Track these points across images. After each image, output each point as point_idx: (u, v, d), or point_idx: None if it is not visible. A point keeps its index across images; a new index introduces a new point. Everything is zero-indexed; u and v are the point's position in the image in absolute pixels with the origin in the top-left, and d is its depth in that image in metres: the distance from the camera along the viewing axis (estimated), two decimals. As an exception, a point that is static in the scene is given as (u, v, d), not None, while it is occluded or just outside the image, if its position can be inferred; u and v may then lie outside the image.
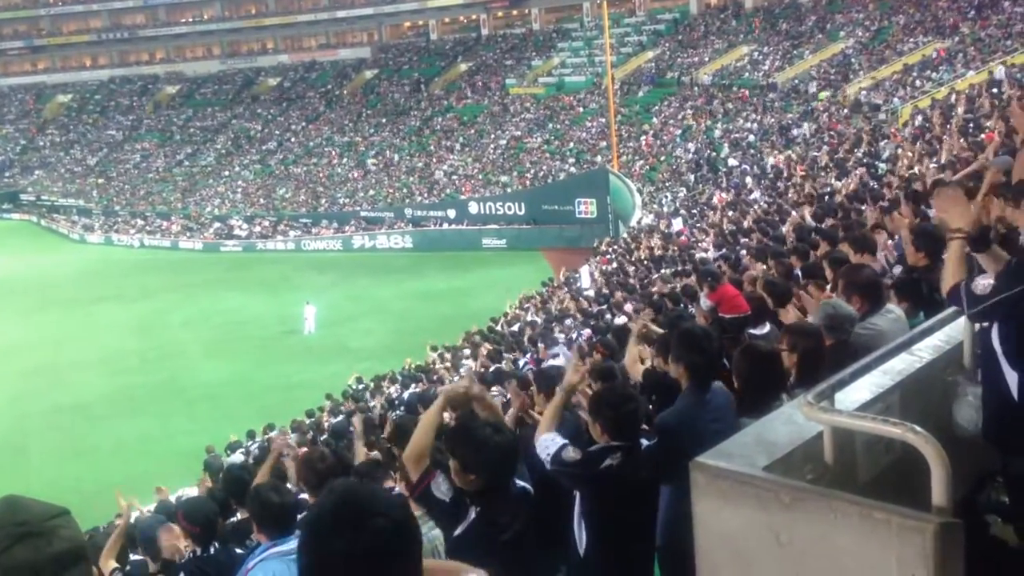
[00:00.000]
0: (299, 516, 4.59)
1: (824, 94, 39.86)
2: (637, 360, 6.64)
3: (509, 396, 9.44)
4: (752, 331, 7.03)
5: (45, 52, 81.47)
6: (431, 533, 3.94)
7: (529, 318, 23.36)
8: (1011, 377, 3.05)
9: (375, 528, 1.82)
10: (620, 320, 14.79)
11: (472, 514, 3.68)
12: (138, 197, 63.48)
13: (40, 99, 79.95)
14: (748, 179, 30.85)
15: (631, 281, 20.68)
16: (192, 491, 13.81)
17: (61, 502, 1.85)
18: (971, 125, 18.52)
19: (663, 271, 19.12)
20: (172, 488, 14.77)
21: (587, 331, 15.43)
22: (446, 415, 9.40)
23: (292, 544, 4.20)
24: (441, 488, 3.74)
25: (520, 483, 3.94)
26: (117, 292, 41.59)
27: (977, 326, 3.31)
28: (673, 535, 4.35)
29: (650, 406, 5.54)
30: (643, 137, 48.29)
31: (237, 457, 18.00)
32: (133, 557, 7.98)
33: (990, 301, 3.07)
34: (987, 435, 3.22)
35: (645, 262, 23.30)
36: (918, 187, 11.05)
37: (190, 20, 79.01)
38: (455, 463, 3.71)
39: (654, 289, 15.95)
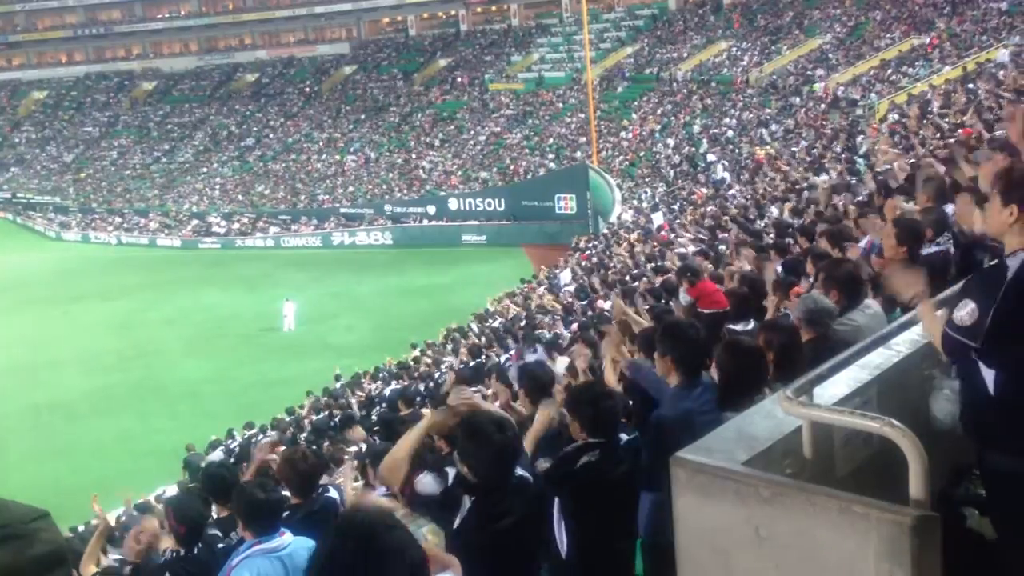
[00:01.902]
0: (285, 514, 4.59)
1: (818, 86, 39.77)
2: (612, 372, 6.33)
3: (491, 391, 9.46)
4: (734, 327, 7.06)
5: (20, 48, 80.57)
6: (419, 531, 3.93)
7: (512, 314, 23.35)
8: (987, 374, 3.05)
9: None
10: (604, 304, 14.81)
11: (467, 503, 3.69)
12: (115, 194, 62.95)
13: (15, 96, 79.08)
14: (727, 174, 31.01)
15: (611, 277, 20.71)
16: (172, 489, 13.77)
17: (40, 501, 1.84)
18: (947, 120, 18.63)
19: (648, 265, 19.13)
20: (151, 487, 14.71)
21: (574, 326, 15.43)
22: (425, 410, 9.35)
23: (277, 541, 4.20)
24: (430, 486, 3.75)
25: (520, 472, 3.95)
26: (95, 290, 41.26)
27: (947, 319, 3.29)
28: (657, 529, 4.35)
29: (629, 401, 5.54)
30: (627, 132, 48.35)
31: (217, 455, 17.96)
32: (112, 556, 7.93)
33: (988, 320, 2.97)
34: (966, 428, 3.23)
35: (625, 258, 23.31)
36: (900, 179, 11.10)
37: (167, 16, 78.38)
38: (459, 451, 3.77)
39: (635, 284, 15.97)
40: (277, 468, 5.65)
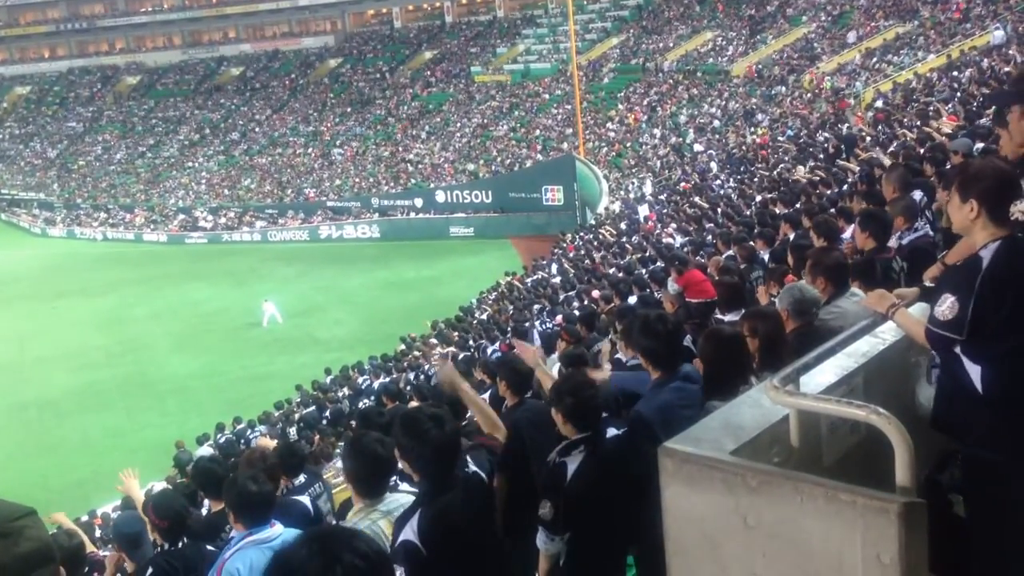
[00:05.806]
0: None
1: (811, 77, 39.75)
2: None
3: (480, 380, 9.49)
4: (722, 317, 7.07)
5: (2, 44, 79.98)
6: (374, 526, 3.87)
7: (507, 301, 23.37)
8: (973, 370, 3.02)
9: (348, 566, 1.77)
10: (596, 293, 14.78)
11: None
12: (100, 189, 62.68)
13: (-2, 91, 78.74)
14: (713, 164, 31.07)
15: (600, 268, 20.73)
16: (161, 486, 13.73)
17: (28, 499, 1.84)
18: (931, 108, 18.70)
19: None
20: (142, 483, 14.63)
21: (558, 317, 15.39)
22: (413, 403, 9.32)
23: (267, 532, 4.22)
24: None
25: (473, 468, 3.92)
26: (81, 286, 41.12)
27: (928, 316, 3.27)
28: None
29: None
30: (613, 122, 48.32)
31: (205, 450, 17.95)
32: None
33: (970, 312, 2.97)
34: (939, 424, 3.19)
35: (613, 249, 23.34)
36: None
37: (150, 9, 77.91)
38: (397, 447, 3.71)
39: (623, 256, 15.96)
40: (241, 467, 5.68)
